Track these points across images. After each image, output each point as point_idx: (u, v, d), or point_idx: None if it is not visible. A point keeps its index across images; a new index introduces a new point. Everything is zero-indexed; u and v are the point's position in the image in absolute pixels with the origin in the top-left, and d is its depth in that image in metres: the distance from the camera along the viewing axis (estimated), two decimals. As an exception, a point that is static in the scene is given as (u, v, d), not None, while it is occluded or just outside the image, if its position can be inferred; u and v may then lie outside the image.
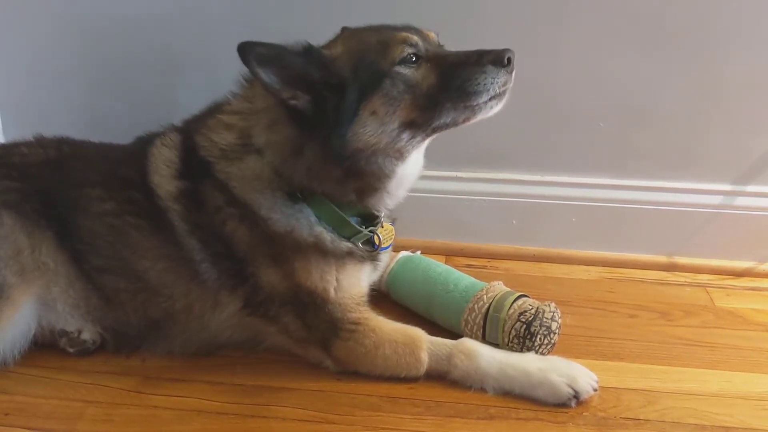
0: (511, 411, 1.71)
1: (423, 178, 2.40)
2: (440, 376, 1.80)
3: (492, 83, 1.68)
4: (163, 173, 1.89)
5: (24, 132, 2.12)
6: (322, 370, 1.85)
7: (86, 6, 2.46)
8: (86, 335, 1.92)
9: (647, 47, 2.26)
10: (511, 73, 1.70)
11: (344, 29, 1.93)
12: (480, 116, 1.74)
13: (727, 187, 2.39)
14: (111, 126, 2.20)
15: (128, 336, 1.93)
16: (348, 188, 1.80)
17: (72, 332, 1.91)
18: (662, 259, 2.45)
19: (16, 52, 2.55)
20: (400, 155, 1.77)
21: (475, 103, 1.70)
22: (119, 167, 1.97)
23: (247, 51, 1.61)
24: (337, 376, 1.84)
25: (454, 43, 2.28)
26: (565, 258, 2.49)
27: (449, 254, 2.53)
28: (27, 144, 2.07)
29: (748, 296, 2.30)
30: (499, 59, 1.68)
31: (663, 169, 2.40)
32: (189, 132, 1.93)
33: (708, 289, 2.33)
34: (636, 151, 2.39)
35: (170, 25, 2.44)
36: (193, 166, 1.87)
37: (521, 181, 2.47)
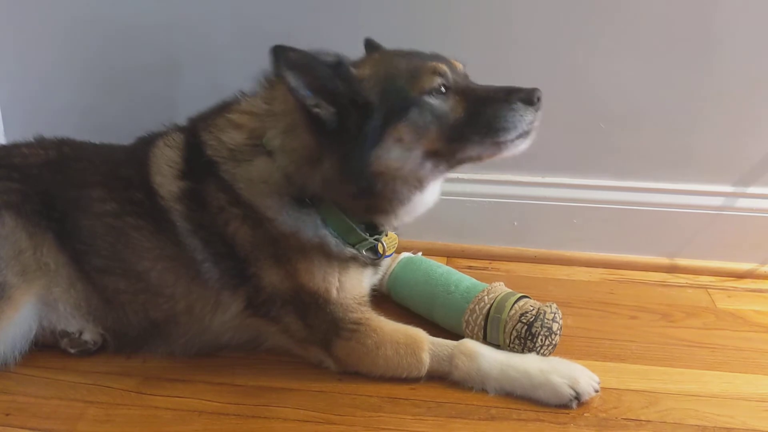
0: (512, 412, 1.71)
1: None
2: (441, 377, 1.80)
3: (520, 121, 1.68)
4: (166, 173, 1.89)
5: (25, 133, 2.12)
6: (323, 371, 1.85)
7: (88, 10, 2.47)
8: (87, 336, 1.92)
9: (649, 48, 2.27)
10: (538, 111, 1.70)
11: (368, 42, 1.95)
12: (506, 153, 1.74)
13: (729, 189, 2.39)
14: (112, 127, 2.19)
15: (129, 337, 1.93)
16: (359, 204, 1.80)
17: (73, 333, 1.91)
18: (663, 260, 2.45)
19: (18, 54, 2.56)
20: (420, 184, 1.78)
21: (502, 140, 1.70)
22: (120, 168, 1.97)
23: (279, 54, 1.62)
24: (338, 376, 1.84)
25: (447, 43, 2.30)
26: (566, 259, 2.50)
27: (450, 256, 2.54)
28: (28, 145, 2.07)
29: (749, 298, 2.29)
30: (529, 98, 1.68)
31: (664, 170, 2.40)
32: (195, 130, 1.92)
33: (709, 290, 2.33)
34: (637, 152, 2.39)
35: (171, 29, 2.45)
36: (197, 165, 1.86)
37: (522, 183, 2.48)
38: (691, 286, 2.36)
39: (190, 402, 1.75)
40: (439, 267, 2.14)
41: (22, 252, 1.85)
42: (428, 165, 1.73)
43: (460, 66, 1.80)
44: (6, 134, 2.60)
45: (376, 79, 1.71)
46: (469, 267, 2.47)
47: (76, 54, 2.54)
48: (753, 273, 2.41)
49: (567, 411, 1.71)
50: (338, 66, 1.70)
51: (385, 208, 1.81)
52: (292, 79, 1.64)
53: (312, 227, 1.80)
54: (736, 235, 2.40)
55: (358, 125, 1.67)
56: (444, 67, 1.71)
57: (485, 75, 2.32)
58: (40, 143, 2.08)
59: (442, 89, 1.70)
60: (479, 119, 1.69)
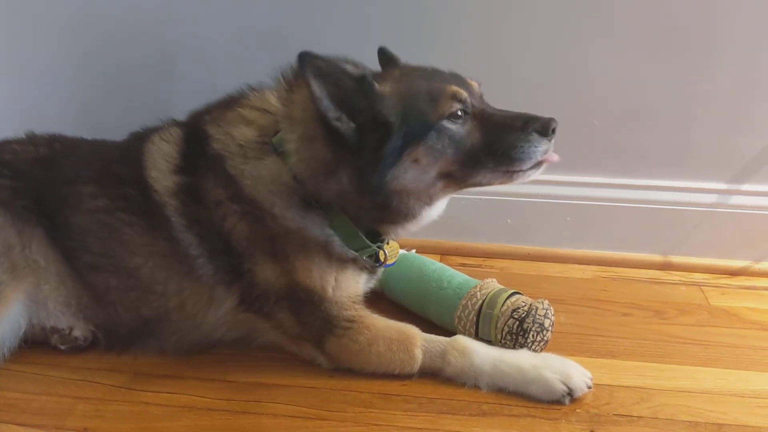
0: (503, 407, 1.70)
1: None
2: (434, 373, 1.79)
3: (535, 153, 1.69)
4: (162, 168, 1.88)
5: (18, 131, 2.12)
6: (314, 367, 1.84)
7: (81, 6, 2.46)
8: (77, 332, 1.91)
9: (642, 46, 2.27)
10: (551, 141, 1.70)
11: (381, 51, 1.94)
12: (517, 181, 1.76)
13: (722, 186, 2.39)
14: (106, 125, 2.18)
15: (120, 334, 1.92)
16: (369, 216, 1.81)
17: (63, 329, 1.90)
18: (657, 258, 2.45)
19: (9, 51, 2.55)
20: (430, 200, 1.80)
21: (516, 169, 1.71)
22: (112, 164, 1.96)
23: (306, 61, 1.62)
24: (330, 372, 1.83)
25: (445, 42, 2.30)
26: (559, 257, 2.50)
27: (444, 253, 2.54)
28: (18, 141, 2.07)
29: (742, 295, 2.29)
30: (545, 130, 1.68)
31: (658, 167, 2.40)
32: (199, 124, 1.90)
33: (703, 287, 2.33)
34: (631, 149, 2.39)
35: (165, 25, 2.45)
36: (197, 159, 1.85)
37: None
38: (684, 284, 2.36)
39: (180, 398, 1.75)
40: (432, 264, 2.13)
41: (11, 248, 1.84)
42: (440, 184, 1.75)
43: (476, 85, 1.81)
44: (-2, 131, 2.59)
45: (397, 99, 1.70)
46: (463, 264, 2.46)
47: (70, 52, 2.54)
48: (746, 270, 2.41)
49: (559, 407, 1.70)
50: (363, 81, 1.69)
51: (395, 220, 1.83)
52: (317, 89, 1.64)
53: (319, 226, 1.80)
54: (730, 233, 2.41)
55: (378, 143, 1.68)
56: (464, 93, 1.71)
57: (484, 72, 2.35)
58: (31, 139, 2.07)
59: (461, 114, 1.70)
60: (495, 147, 1.70)
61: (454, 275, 2.05)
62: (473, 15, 2.30)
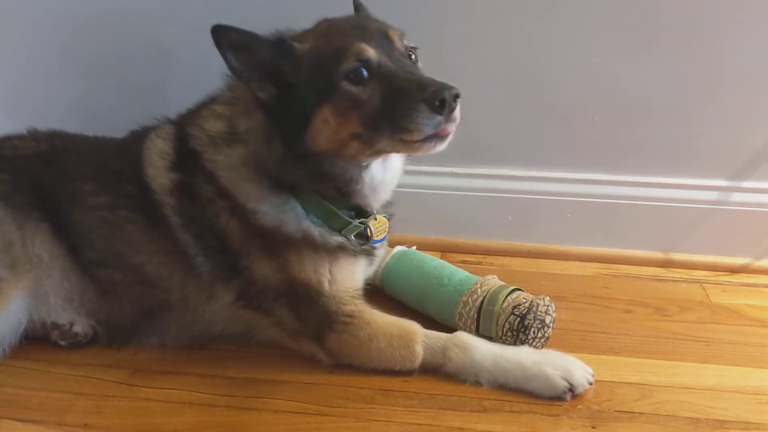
0: (504, 404, 1.70)
1: (418, 173, 2.44)
2: (435, 370, 1.79)
3: (423, 124, 1.56)
4: (158, 165, 1.88)
5: (17, 127, 2.11)
6: (314, 363, 1.84)
7: (81, 4, 2.45)
8: (78, 328, 1.91)
9: (643, 42, 2.26)
10: (448, 115, 1.56)
11: (355, 3, 1.93)
12: (420, 153, 1.68)
13: (723, 183, 2.38)
14: (104, 121, 2.18)
15: (121, 328, 1.92)
16: (324, 187, 1.78)
17: (64, 325, 1.90)
18: (658, 255, 2.45)
19: (8, 46, 2.55)
20: (358, 162, 1.74)
21: (408, 139, 1.60)
22: (113, 160, 1.96)
23: (220, 35, 1.61)
24: (330, 368, 1.83)
25: (442, 35, 2.28)
26: (560, 254, 2.49)
27: (444, 250, 2.53)
28: (20, 137, 2.07)
29: (744, 292, 2.29)
30: (430, 101, 1.54)
31: (658, 164, 2.40)
32: (182, 124, 1.92)
33: (704, 285, 2.32)
34: (632, 146, 2.38)
35: (162, 20, 2.44)
36: (186, 158, 1.86)
37: (516, 177, 2.47)
38: (685, 281, 2.35)
39: (180, 394, 1.74)
40: (433, 260, 2.13)
41: (11, 244, 1.84)
42: (354, 145, 1.67)
43: (396, 37, 1.72)
44: (-1, 127, 2.59)
45: (312, 56, 1.67)
46: (464, 262, 2.46)
47: (68, 48, 2.53)
48: (747, 267, 2.40)
49: (560, 403, 1.70)
50: (280, 44, 1.68)
51: (345, 188, 1.78)
52: (234, 61, 1.64)
53: (294, 220, 1.79)
54: (731, 230, 2.40)
55: (298, 106, 1.66)
56: (368, 51, 1.63)
57: (483, 68, 2.35)
58: (32, 135, 2.08)
59: (364, 73, 1.62)
60: (390, 114, 1.59)
61: (454, 272, 2.05)
62: (473, 10, 2.30)
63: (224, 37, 1.61)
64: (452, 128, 1.60)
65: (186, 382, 1.79)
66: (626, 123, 2.36)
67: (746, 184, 2.38)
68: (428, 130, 1.57)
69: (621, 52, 2.28)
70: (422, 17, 2.32)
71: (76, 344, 1.91)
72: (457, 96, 1.55)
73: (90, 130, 2.15)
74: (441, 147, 1.62)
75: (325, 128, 1.65)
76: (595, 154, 2.42)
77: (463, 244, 2.54)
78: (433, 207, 2.52)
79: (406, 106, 1.56)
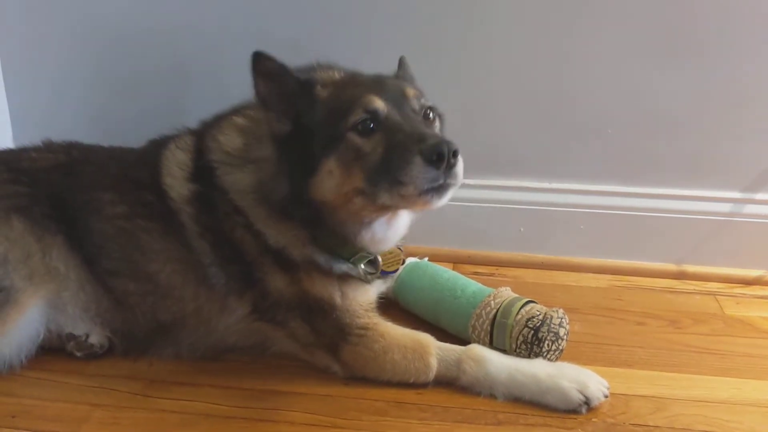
0: (519, 417, 1.69)
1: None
2: (449, 382, 1.79)
3: (418, 178, 1.53)
4: (176, 175, 1.89)
5: (34, 138, 2.13)
6: (328, 375, 1.84)
7: (97, 16, 2.49)
8: (94, 339, 1.92)
9: (659, 55, 2.27)
10: (446, 171, 1.53)
11: (401, 60, 1.96)
12: (418, 208, 1.68)
13: (737, 195, 2.39)
14: (121, 132, 2.21)
15: (137, 339, 1.93)
16: (323, 233, 1.78)
17: (80, 336, 1.91)
18: (671, 267, 2.45)
19: (28, 61, 2.58)
20: (359, 220, 1.74)
21: (405, 194, 1.56)
22: (131, 170, 1.98)
23: (256, 60, 1.65)
24: (345, 380, 1.83)
25: (463, 47, 2.29)
26: (573, 266, 2.49)
27: (457, 262, 2.54)
28: (36, 149, 2.08)
29: (758, 304, 2.28)
30: (427, 154, 1.51)
31: (672, 176, 2.40)
32: (202, 134, 1.93)
33: (717, 297, 2.32)
34: (645, 158, 2.39)
35: (181, 37, 2.48)
36: (204, 169, 1.87)
37: (529, 189, 2.48)
38: (699, 293, 2.35)
39: (196, 405, 1.75)
40: (445, 272, 2.13)
41: (30, 256, 1.85)
42: (358, 201, 1.66)
43: (412, 94, 1.72)
44: (15, 139, 2.61)
45: (327, 104, 1.70)
46: (476, 273, 2.46)
47: (85, 59, 2.56)
48: (761, 280, 2.40)
49: (575, 416, 1.69)
50: (306, 84, 1.71)
51: (345, 239, 1.78)
52: (261, 86, 1.67)
53: (297, 246, 1.79)
54: (745, 242, 2.40)
55: (306, 148, 1.67)
56: (377, 102, 1.63)
57: (496, 81, 2.36)
58: (49, 147, 2.09)
59: (370, 125, 1.62)
60: (388, 166, 1.57)
61: (467, 284, 2.05)
62: (494, 24, 2.31)
63: (260, 63, 1.65)
64: (451, 181, 1.55)
65: (201, 394, 1.79)
66: (640, 135, 2.37)
67: (760, 196, 2.38)
68: (424, 185, 1.53)
69: (636, 66, 2.29)
70: (444, 31, 2.34)
71: (92, 355, 1.91)
72: (456, 152, 1.52)
73: (103, 140, 2.16)
74: (440, 202, 1.58)
75: (329, 179, 1.66)
76: (608, 166, 2.43)
77: (476, 255, 2.55)
78: (445, 218, 2.51)
79: (402, 158, 1.54)
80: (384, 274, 1.91)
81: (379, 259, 1.85)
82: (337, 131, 1.64)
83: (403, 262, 2.10)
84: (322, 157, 1.65)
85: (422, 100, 1.74)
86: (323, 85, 1.73)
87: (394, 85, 1.75)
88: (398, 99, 1.69)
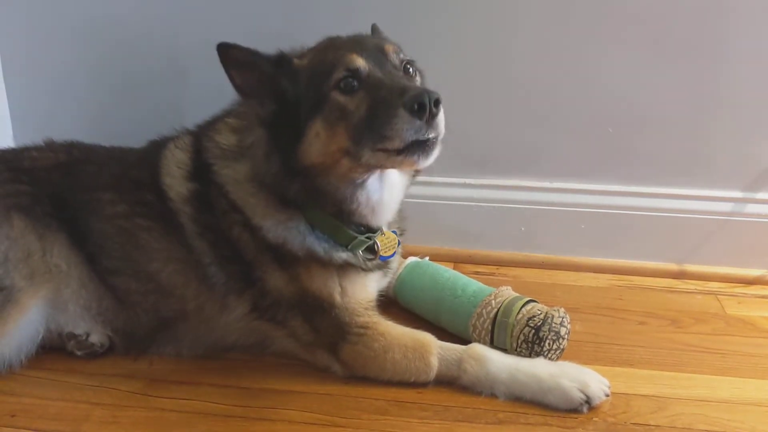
0: (519, 416, 1.69)
1: (431, 184, 2.46)
2: (449, 381, 1.79)
3: (402, 130, 1.53)
4: (175, 175, 1.90)
5: (35, 138, 2.13)
6: (328, 374, 1.84)
7: (96, 16, 2.50)
8: (94, 338, 1.92)
9: (657, 53, 2.27)
10: (429, 121, 1.53)
11: (373, 28, 1.96)
12: (402, 166, 1.68)
13: (738, 194, 2.38)
14: (118, 131, 2.22)
15: (137, 337, 1.93)
16: (321, 204, 1.78)
17: (80, 335, 1.91)
18: (672, 266, 2.44)
19: (29, 61, 2.58)
20: (351, 180, 1.73)
21: (390, 148, 1.57)
22: (131, 170, 1.98)
23: (223, 52, 1.65)
24: (345, 379, 1.83)
25: (451, 47, 2.29)
26: (574, 265, 2.49)
27: (457, 261, 2.53)
28: (37, 148, 2.08)
29: (759, 304, 2.28)
30: (409, 105, 1.51)
31: (673, 175, 2.40)
32: (199, 135, 1.94)
33: (719, 296, 2.31)
34: (646, 157, 2.39)
35: (181, 38, 2.47)
36: (203, 169, 1.87)
37: (530, 188, 2.48)
38: (700, 292, 2.35)
39: (196, 404, 1.75)
40: (446, 271, 2.13)
41: (31, 254, 1.85)
42: (345, 162, 1.66)
43: (391, 50, 1.71)
44: (15, 138, 2.61)
45: (308, 70, 1.70)
46: (477, 273, 2.46)
47: (86, 60, 2.56)
48: (762, 279, 2.39)
49: (575, 415, 1.69)
50: (280, 61, 1.70)
51: (340, 207, 1.77)
52: (236, 77, 1.67)
53: (298, 237, 1.79)
54: (746, 241, 2.39)
55: (294, 120, 1.67)
56: (358, 61, 1.63)
57: (494, 79, 2.36)
58: (50, 146, 2.09)
59: (353, 83, 1.62)
60: (372, 123, 1.57)
61: (468, 283, 2.05)
62: (486, 21, 2.31)
63: (227, 54, 1.65)
64: (433, 134, 1.55)
65: (201, 392, 1.79)
66: (640, 134, 2.36)
67: (761, 195, 2.38)
68: (408, 136, 1.53)
69: (634, 63, 2.29)
70: (435, 30, 2.33)
71: (92, 354, 1.92)
72: (437, 101, 1.52)
73: (103, 139, 2.17)
74: (425, 161, 1.59)
75: (317, 141, 1.66)
76: (609, 165, 2.42)
77: (476, 254, 2.54)
78: (446, 218, 2.52)
79: (386, 113, 1.55)
80: (382, 259, 1.90)
81: (378, 244, 1.85)
82: (321, 93, 1.64)
83: (404, 256, 2.11)
84: (308, 121, 1.66)
85: (401, 55, 1.74)
86: (299, 57, 1.74)
87: (373, 43, 1.74)
88: (378, 56, 1.68)
